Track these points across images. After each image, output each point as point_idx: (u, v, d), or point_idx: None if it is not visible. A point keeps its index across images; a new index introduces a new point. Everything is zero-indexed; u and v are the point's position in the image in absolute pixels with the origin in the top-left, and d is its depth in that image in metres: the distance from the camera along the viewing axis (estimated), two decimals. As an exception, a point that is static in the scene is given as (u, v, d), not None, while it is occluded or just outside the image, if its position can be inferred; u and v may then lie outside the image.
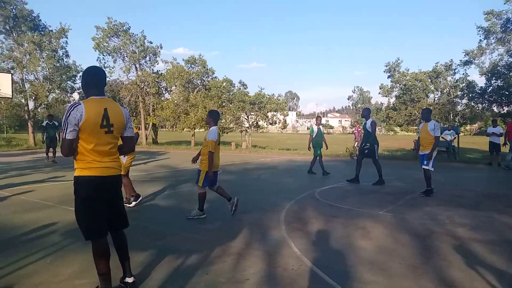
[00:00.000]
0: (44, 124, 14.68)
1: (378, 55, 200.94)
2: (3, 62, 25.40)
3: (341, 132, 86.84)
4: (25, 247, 4.45)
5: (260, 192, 8.40)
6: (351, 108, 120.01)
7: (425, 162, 7.81)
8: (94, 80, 3.08)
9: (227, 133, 28.24)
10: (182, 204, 7.08)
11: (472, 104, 18.49)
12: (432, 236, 5.04)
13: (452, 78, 18.87)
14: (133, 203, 6.73)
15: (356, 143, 16.96)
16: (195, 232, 5.18)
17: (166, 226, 5.53)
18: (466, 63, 17.97)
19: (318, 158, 11.57)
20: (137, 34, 29.36)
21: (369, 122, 9.43)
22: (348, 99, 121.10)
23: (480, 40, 18.11)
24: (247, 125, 27.78)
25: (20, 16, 25.10)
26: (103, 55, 29.66)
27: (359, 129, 16.98)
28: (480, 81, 17.49)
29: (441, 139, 14.19)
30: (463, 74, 18.55)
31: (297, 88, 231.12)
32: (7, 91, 21.75)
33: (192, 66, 28.54)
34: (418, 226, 5.52)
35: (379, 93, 21.12)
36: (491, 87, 17.16)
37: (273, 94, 25.51)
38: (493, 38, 17.48)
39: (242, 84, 25.54)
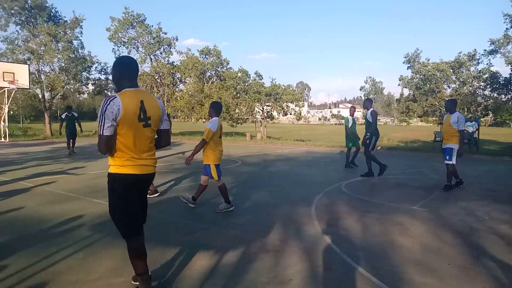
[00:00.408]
0: (63, 116, 14.48)
1: (392, 45, 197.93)
2: (20, 53, 25.52)
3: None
4: (56, 241, 4.33)
5: (286, 184, 8.19)
6: (363, 98, 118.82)
7: (447, 156, 7.39)
8: (128, 71, 2.89)
9: (241, 123, 28.07)
10: (208, 196, 6.92)
11: (496, 95, 17.95)
12: (475, 233, 4.79)
13: (475, 68, 18.30)
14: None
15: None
16: (226, 227, 5.01)
17: (195, 220, 5.37)
18: (491, 52, 17.29)
19: (348, 149, 11.12)
20: (152, 25, 29.24)
21: (369, 112, 9.12)
22: (360, 89, 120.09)
23: (506, 28, 17.47)
24: (260, 116, 27.53)
25: (35, 6, 25.13)
26: (118, 46, 29.63)
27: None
28: (504, 72, 16.89)
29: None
30: (487, 64, 17.99)
31: (308, 79, 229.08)
32: (24, 82, 22.03)
33: (207, 56, 28.31)
34: (458, 222, 5.26)
35: (399, 84, 20.64)
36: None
37: (288, 85, 25.09)
38: None
39: (258, 75, 25.25)
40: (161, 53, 30.27)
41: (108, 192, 2.92)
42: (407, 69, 19.77)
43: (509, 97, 17.57)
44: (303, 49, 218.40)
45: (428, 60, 18.84)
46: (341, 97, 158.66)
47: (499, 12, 17.30)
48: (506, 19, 17.24)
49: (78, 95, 29.81)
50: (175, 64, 29.86)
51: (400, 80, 20.44)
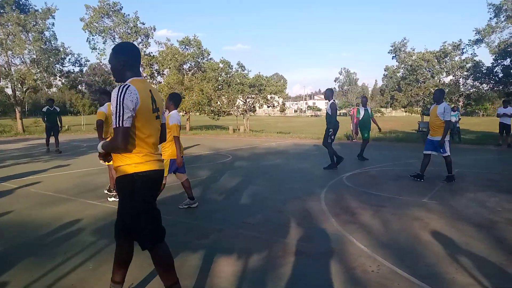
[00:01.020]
0: (44, 109, 13.35)
1: (367, 36, 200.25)
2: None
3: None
4: (59, 250, 3.91)
5: (286, 179, 7.95)
6: (338, 90, 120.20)
7: (441, 150, 7.29)
8: (132, 58, 2.62)
9: (222, 116, 27.63)
10: (209, 194, 6.59)
11: (477, 84, 18.26)
12: (496, 226, 4.67)
13: (459, 58, 18.53)
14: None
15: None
16: (240, 227, 4.71)
17: (205, 220, 5.04)
18: (476, 42, 17.50)
19: (364, 140, 10.78)
20: (129, 15, 28.26)
21: (329, 104, 8.86)
22: (335, 81, 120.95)
23: (490, 18, 17.71)
24: (242, 108, 27.18)
25: (2, -6, 23.72)
26: (93, 35, 28.49)
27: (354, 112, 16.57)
28: (487, 61, 17.14)
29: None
30: (471, 54, 18.26)
31: (282, 70, 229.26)
32: (-7, 75, 20.73)
33: (187, 47, 27.58)
34: (473, 215, 5.15)
35: (385, 75, 20.71)
36: (498, 66, 16.88)
37: (271, 76, 24.81)
38: (504, 16, 17.13)
39: (240, 66, 24.81)
40: (138, 44, 29.31)
41: (125, 197, 2.58)
42: (392, 58, 19.92)
43: (491, 86, 17.99)
44: (277, 40, 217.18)
45: (413, 50, 19.05)
46: (315, 89, 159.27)
47: (484, 2, 17.42)
48: (489, 8, 17.51)
49: (46, 90, 28.28)
50: (153, 55, 29.02)
51: (385, 70, 20.55)
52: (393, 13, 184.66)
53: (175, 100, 5.23)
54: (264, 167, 9.87)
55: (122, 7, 28.04)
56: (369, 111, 10.83)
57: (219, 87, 25.38)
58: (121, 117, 2.37)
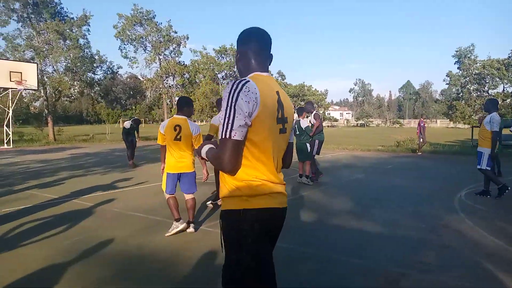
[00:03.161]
0: (127, 126, 11.93)
1: (373, 49, 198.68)
2: (23, 51, 23.69)
3: (345, 125, 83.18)
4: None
5: (393, 199, 6.85)
6: (353, 101, 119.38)
7: (480, 162, 6.85)
8: (260, 46, 1.89)
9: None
10: (332, 219, 5.54)
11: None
12: None
13: None
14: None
15: (421, 139, 15.50)
16: (423, 271, 3.61)
17: (371, 260, 3.96)
18: None
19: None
20: (161, 23, 27.73)
21: (313, 115, 8.64)
22: (350, 91, 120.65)
23: None
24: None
25: (40, 2, 23.38)
26: (125, 44, 28.05)
27: (422, 124, 15.56)
28: None
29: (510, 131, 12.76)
30: None
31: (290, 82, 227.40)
32: (32, 83, 20.26)
33: (223, 56, 26.90)
34: None
35: (448, 82, 19.51)
36: None
37: (311, 85, 23.83)
38: None
39: (281, 75, 23.91)
40: (170, 53, 28.80)
41: (229, 242, 1.78)
42: (454, 63, 18.77)
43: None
44: (283, 51, 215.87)
45: (476, 57, 17.86)
46: (328, 100, 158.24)
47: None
48: None
49: (64, 99, 27.77)
50: (187, 64, 28.39)
51: (447, 76, 19.37)
52: (410, 22, 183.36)
53: (177, 105, 5.01)
54: (351, 183, 8.77)
55: (155, 15, 27.59)
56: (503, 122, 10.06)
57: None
58: (230, 125, 1.64)
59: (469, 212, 5.77)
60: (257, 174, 1.74)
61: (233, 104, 1.65)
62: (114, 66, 26.69)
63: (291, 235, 4.51)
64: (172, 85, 28.89)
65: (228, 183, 1.78)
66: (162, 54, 28.02)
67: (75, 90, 25.35)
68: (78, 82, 25.67)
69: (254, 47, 1.89)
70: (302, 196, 7.09)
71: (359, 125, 76.18)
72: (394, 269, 3.58)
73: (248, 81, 1.71)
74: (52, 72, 24.99)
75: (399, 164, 12.33)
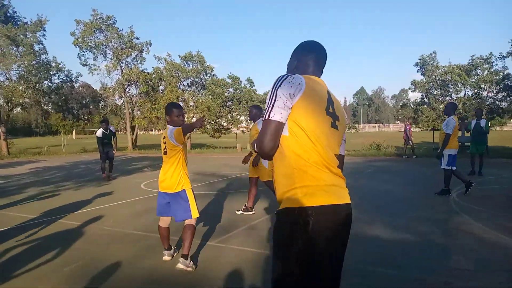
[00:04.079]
0: (99, 134, 10.72)
1: (334, 55, 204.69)
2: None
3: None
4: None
5: (390, 205, 6.85)
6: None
7: (441, 162, 7.38)
8: (319, 58, 1.93)
9: (224, 133, 26.46)
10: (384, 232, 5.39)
11: (500, 97, 18.07)
12: None
13: (488, 71, 18.24)
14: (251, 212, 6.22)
15: (411, 142, 16.00)
16: (461, 278, 3.53)
17: (406, 269, 3.82)
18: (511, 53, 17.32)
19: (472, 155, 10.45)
20: (122, 29, 26.72)
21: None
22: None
23: None
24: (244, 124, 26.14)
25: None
26: (83, 51, 26.73)
27: (408, 127, 16.12)
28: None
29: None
30: (502, 67, 18.05)
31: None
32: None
33: (189, 63, 26.31)
34: None
35: (412, 90, 20.27)
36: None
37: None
38: None
39: (249, 82, 23.74)
40: (132, 60, 27.81)
41: (281, 244, 1.66)
42: (417, 71, 19.57)
43: (512, 99, 17.81)
44: (245, 58, 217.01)
45: (438, 63, 18.72)
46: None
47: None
48: None
49: (17, 109, 26.05)
50: (149, 72, 27.52)
51: (412, 84, 20.12)
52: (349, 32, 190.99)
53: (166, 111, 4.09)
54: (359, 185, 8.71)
55: (116, 21, 26.56)
56: (479, 124, 10.29)
57: (226, 103, 24.20)
58: (270, 108, 1.65)
59: (472, 214, 5.85)
60: (316, 166, 1.65)
61: (275, 90, 1.67)
62: (72, 74, 25.36)
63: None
64: (134, 94, 27.90)
65: (280, 180, 1.70)
66: (124, 61, 26.99)
67: (30, 100, 23.70)
68: (33, 91, 24.06)
69: (314, 57, 1.91)
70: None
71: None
72: (435, 278, 3.47)
73: (295, 74, 1.74)
74: (4, 81, 23.29)
75: (378, 168, 12.52)
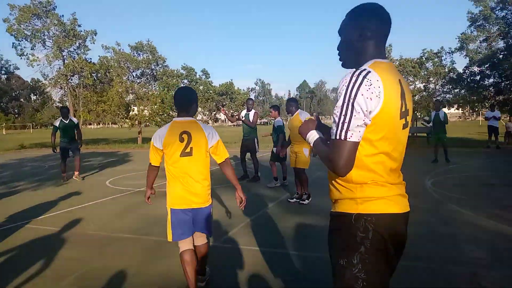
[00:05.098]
0: (57, 123, 9.34)
1: (271, 52, 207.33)
2: None
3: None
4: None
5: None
6: (255, 100, 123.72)
7: None
8: (381, 28, 1.60)
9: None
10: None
11: (445, 90, 19.41)
12: None
13: (437, 65, 19.40)
14: (306, 201, 6.34)
15: None
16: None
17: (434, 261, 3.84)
18: (460, 49, 18.46)
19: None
20: (62, 16, 24.82)
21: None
22: (251, 91, 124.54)
23: (468, 26, 18.72)
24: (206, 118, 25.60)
25: None
26: (19, 40, 24.49)
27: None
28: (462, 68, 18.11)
29: (422, 124, 14.53)
30: (450, 61, 19.29)
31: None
32: None
33: (139, 53, 25.07)
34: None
35: None
36: (468, 73, 18.03)
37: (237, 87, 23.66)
38: (474, 26, 18.30)
39: (205, 73, 23.13)
40: (75, 50, 26.00)
41: (338, 252, 1.57)
42: None
43: (457, 91, 19.17)
44: (182, 53, 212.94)
45: (393, 58, 19.59)
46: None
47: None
48: (469, 16, 18.32)
49: None
50: (92, 62, 25.85)
51: None
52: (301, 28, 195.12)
53: (175, 100, 3.13)
54: (320, 181, 8.73)
55: (56, 6, 24.60)
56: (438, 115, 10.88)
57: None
58: (346, 125, 1.43)
59: (455, 202, 6.12)
60: (374, 176, 1.52)
61: (351, 101, 1.42)
62: (10, 65, 23.14)
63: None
64: (78, 84, 26.13)
65: (338, 183, 1.59)
66: (67, 50, 25.15)
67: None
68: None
69: (383, 28, 1.60)
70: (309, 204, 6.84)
71: (262, 123, 78.87)
72: (461, 269, 3.53)
73: (369, 71, 1.45)
74: None
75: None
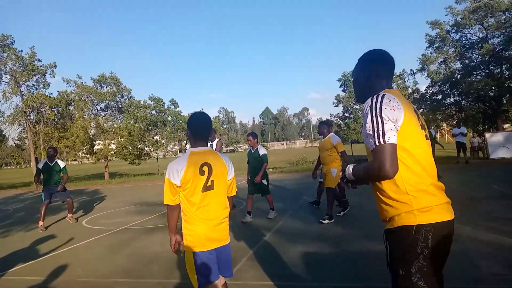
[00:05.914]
0: (40, 166, 8.57)
1: (231, 81, 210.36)
2: None
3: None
4: None
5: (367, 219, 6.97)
6: (219, 129, 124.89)
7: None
8: (386, 67, 1.96)
9: (145, 160, 24.98)
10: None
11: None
12: None
13: (400, 87, 20.25)
14: (327, 221, 6.51)
15: None
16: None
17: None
18: (421, 70, 19.46)
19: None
20: (21, 50, 23.92)
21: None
22: (215, 119, 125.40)
23: (426, 48, 19.85)
24: (177, 148, 25.09)
25: None
26: (-27, 75, 23.28)
27: None
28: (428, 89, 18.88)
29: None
30: (413, 82, 20.25)
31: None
32: None
33: (103, 85, 24.42)
34: None
35: (335, 104, 21.51)
36: (430, 93, 18.98)
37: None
38: (433, 48, 19.43)
39: (173, 103, 22.79)
40: (33, 84, 25.00)
41: (400, 266, 1.71)
42: (339, 87, 20.95)
43: (421, 111, 20.01)
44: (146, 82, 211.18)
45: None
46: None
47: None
48: (427, 38, 19.40)
49: None
50: (51, 96, 24.88)
51: (336, 99, 21.36)
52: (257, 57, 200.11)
53: (190, 127, 2.77)
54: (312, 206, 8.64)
55: (14, 41, 23.74)
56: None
57: (149, 127, 22.91)
58: (381, 131, 1.63)
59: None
60: (422, 186, 1.68)
61: (378, 114, 1.64)
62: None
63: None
64: (38, 119, 25.00)
65: (393, 200, 1.71)
66: (25, 85, 24.13)
67: None
68: None
69: (388, 68, 1.94)
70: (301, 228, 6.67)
71: (228, 151, 79.48)
72: (483, 287, 3.50)
73: (385, 94, 1.73)
74: None
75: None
